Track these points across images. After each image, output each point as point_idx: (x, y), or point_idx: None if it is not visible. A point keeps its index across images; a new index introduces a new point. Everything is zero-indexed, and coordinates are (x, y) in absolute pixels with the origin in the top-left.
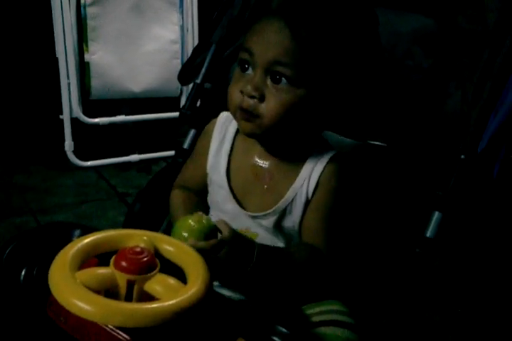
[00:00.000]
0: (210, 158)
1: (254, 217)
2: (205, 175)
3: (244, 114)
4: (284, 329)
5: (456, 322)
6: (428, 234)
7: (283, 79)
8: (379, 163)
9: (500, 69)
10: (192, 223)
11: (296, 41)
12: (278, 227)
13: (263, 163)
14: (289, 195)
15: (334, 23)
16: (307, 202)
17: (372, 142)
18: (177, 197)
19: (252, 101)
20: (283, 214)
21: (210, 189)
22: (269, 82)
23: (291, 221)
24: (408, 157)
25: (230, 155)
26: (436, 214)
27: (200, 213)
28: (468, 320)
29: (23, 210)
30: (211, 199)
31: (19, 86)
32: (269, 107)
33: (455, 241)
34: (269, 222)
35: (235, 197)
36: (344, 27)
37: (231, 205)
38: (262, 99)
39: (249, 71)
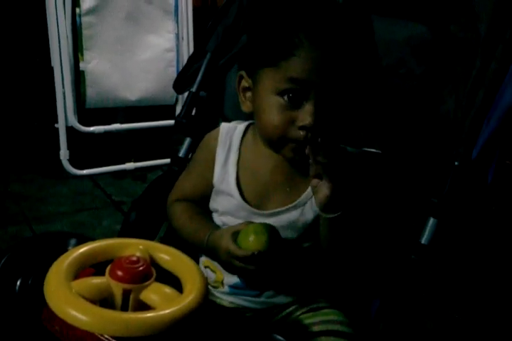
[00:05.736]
0: (216, 171)
1: (272, 215)
2: (207, 187)
3: (297, 145)
4: (280, 337)
5: (452, 328)
6: (423, 241)
7: (336, 104)
8: (374, 169)
9: (493, 77)
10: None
11: (344, 66)
12: (295, 222)
13: (283, 167)
14: (309, 190)
15: (360, 40)
16: None
17: (367, 149)
18: (183, 210)
19: (306, 133)
20: (303, 208)
21: (216, 198)
22: (323, 110)
23: (310, 215)
24: (403, 164)
25: (237, 164)
26: (432, 220)
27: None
28: (465, 327)
29: (18, 219)
30: (219, 207)
31: (14, 95)
32: (326, 135)
33: (451, 248)
34: (291, 216)
35: (248, 203)
36: (363, 41)
37: (244, 212)
38: (318, 128)
39: (298, 101)
